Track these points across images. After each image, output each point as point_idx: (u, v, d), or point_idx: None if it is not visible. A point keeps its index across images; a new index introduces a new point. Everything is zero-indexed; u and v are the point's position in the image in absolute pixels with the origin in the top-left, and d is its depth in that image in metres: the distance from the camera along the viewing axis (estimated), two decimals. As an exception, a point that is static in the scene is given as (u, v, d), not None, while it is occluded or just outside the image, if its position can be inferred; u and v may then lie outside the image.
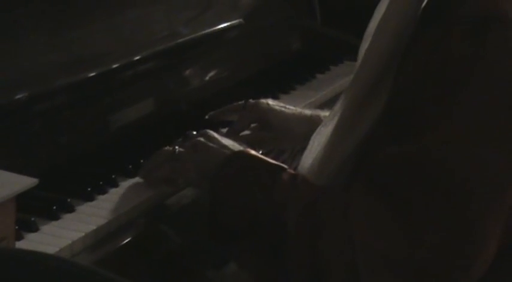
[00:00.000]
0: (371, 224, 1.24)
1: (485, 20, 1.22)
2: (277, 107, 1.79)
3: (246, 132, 1.78)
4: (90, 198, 1.48)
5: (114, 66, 1.76)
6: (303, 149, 1.53)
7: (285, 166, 1.42)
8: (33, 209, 1.37)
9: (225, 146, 1.48)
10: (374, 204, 1.23)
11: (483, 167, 1.20)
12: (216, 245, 1.50)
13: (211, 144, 1.50)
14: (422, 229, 1.20)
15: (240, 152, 1.46)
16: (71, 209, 1.43)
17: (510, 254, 1.27)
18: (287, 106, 1.83)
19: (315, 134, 1.49)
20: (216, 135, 1.51)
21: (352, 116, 1.39)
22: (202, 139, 1.51)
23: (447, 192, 1.19)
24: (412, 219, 1.20)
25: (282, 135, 1.78)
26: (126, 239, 1.44)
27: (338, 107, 1.44)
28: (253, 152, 1.47)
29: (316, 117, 1.73)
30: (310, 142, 1.49)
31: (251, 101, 1.78)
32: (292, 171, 1.40)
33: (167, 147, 1.55)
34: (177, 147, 1.54)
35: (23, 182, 1.18)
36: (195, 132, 1.60)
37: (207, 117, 1.81)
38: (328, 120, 1.47)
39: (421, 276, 1.21)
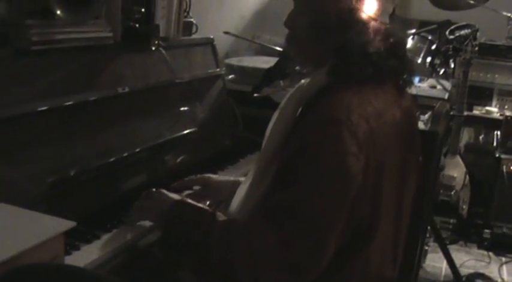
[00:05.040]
0: (264, 237, 1.31)
1: (324, 122, 1.32)
2: (213, 176, 1.88)
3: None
4: (110, 230, 1.58)
5: (118, 157, 1.83)
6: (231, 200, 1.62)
7: (207, 208, 1.50)
8: (77, 238, 1.47)
9: (171, 197, 1.55)
10: (267, 225, 1.32)
11: (321, 205, 1.30)
12: (171, 257, 1.57)
13: (163, 197, 1.56)
14: (292, 239, 1.30)
15: (180, 200, 1.53)
16: (99, 237, 1.54)
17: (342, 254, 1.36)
18: (220, 176, 1.93)
19: (238, 189, 1.60)
20: (165, 192, 1.59)
21: (260, 176, 1.50)
22: (157, 194, 1.58)
23: (304, 220, 1.30)
24: (286, 234, 1.30)
25: (216, 192, 1.83)
26: (125, 256, 1.53)
27: (251, 172, 1.56)
28: (188, 200, 1.54)
29: (237, 181, 1.78)
30: (236, 193, 1.60)
31: (199, 175, 1.88)
32: (211, 211, 1.46)
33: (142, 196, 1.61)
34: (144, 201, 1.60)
35: (69, 224, 1.24)
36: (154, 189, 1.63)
37: (171, 186, 1.82)
38: (246, 179, 1.58)
39: (292, 267, 1.30)
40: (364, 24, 1.40)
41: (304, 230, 1.30)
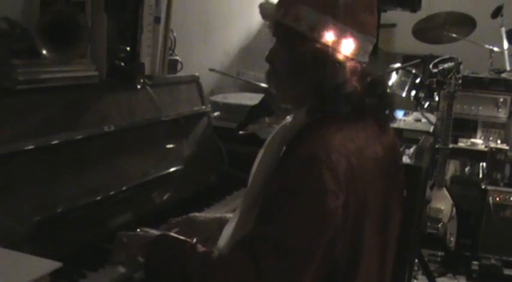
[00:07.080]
0: (241, 269, 1.32)
1: (304, 160, 1.34)
2: (199, 215, 1.90)
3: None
4: (96, 270, 1.60)
5: (105, 195, 1.85)
6: (217, 237, 1.65)
7: (189, 240, 1.51)
8: (63, 277, 1.48)
9: (153, 232, 1.61)
10: (244, 257, 1.32)
11: (298, 242, 1.31)
12: None
13: (146, 233, 1.62)
14: (267, 273, 1.30)
15: (162, 234, 1.57)
16: (85, 276, 1.57)
17: None
18: (206, 214, 1.94)
19: (225, 228, 1.62)
20: (149, 229, 1.65)
21: (245, 216, 1.52)
22: (141, 232, 1.65)
23: (280, 255, 1.30)
24: (262, 268, 1.30)
25: (203, 230, 1.84)
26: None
27: (237, 211, 1.58)
28: (171, 233, 1.59)
29: (224, 217, 1.82)
30: (223, 232, 1.61)
31: (184, 216, 1.87)
32: (192, 242, 1.48)
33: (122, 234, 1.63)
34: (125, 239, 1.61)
35: (54, 265, 1.24)
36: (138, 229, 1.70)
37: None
38: (232, 218, 1.61)
39: None
40: (340, 64, 1.42)
41: (279, 265, 1.31)
